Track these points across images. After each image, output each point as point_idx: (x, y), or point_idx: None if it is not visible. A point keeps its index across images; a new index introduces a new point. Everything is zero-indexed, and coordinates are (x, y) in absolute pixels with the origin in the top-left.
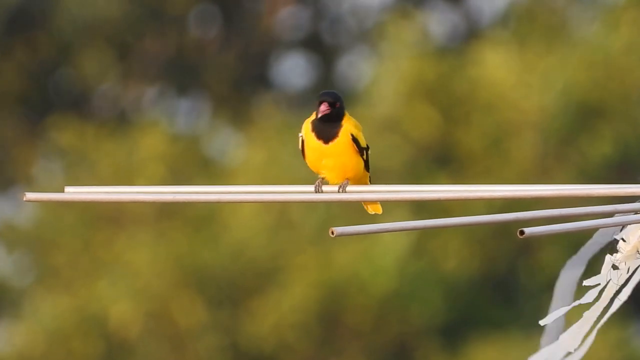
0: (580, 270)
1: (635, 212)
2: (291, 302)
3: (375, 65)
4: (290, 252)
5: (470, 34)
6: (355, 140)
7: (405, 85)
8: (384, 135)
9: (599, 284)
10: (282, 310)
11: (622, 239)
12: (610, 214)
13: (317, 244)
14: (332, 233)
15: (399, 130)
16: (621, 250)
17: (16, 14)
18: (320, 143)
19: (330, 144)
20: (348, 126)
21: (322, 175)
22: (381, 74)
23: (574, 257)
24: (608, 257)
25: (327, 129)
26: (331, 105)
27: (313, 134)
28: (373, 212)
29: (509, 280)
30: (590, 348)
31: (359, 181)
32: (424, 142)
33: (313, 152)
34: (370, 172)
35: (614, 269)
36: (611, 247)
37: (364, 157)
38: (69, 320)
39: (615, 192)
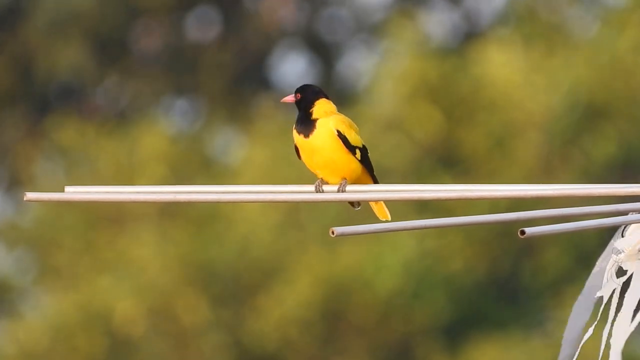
0: (587, 314)
1: (637, 211)
2: (295, 300)
3: (376, 65)
4: (295, 250)
5: (472, 34)
6: (341, 136)
7: (408, 84)
8: (387, 135)
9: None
10: (285, 308)
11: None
12: (611, 214)
13: (322, 242)
14: (333, 233)
15: (402, 130)
16: (624, 251)
17: (7, 10)
18: (301, 137)
19: (311, 136)
20: (329, 120)
21: (319, 176)
22: (383, 74)
23: (580, 298)
24: (612, 257)
25: (305, 123)
26: (297, 94)
27: (295, 130)
28: (383, 219)
29: (512, 280)
30: (589, 347)
31: (359, 182)
32: (426, 142)
33: (301, 148)
34: (375, 175)
35: (617, 272)
36: (614, 247)
37: (357, 156)
38: (72, 318)
39: (616, 192)
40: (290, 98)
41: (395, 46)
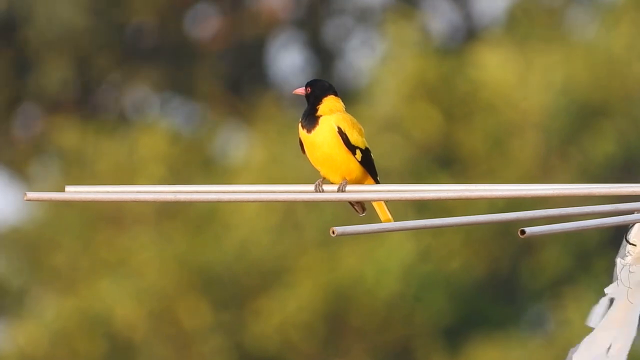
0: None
1: (637, 211)
2: (296, 302)
3: (376, 65)
4: (295, 252)
5: (471, 34)
6: (342, 133)
7: (407, 84)
8: (385, 135)
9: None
10: (286, 310)
11: (630, 242)
12: (610, 214)
13: (323, 244)
14: (333, 233)
15: (400, 130)
16: (631, 253)
17: (5, 12)
18: (305, 132)
19: (313, 132)
20: (332, 117)
21: (321, 173)
22: (382, 74)
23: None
24: (619, 261)
25: (309, 119)
26: (307, 88)
27: (300, 124)
28: (385, 222)
29: (512, 280)
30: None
31: (361, 184)
32: (425, 142)
33: (304, 143)
34: (378, 180)
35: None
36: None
37: (357, 156)
38: (72, 320)
39: (616, 192)
40: (301, 90)
41: (395, 46)
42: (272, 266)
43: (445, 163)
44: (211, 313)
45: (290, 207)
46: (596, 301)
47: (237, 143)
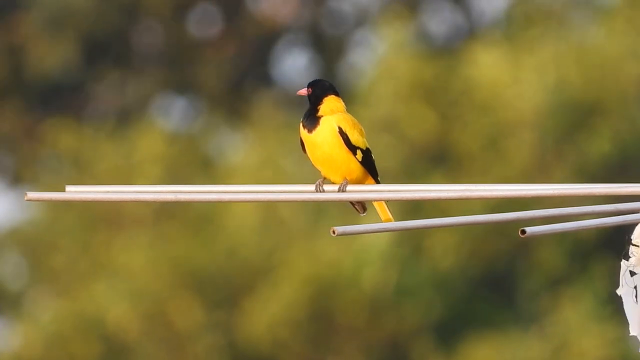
0: None
1: (637, 211)
2: (285, 300)
3: (373, 66)
4: (284, 251)
5: (466, 34)
6: (342, 133)
7: (403, 85)
8: (381, 135)
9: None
10: (277, 309)
11: (633, 243)
12: (610, 214)
13: (312, 243)
14: (334, 232)
15: (396, 130)
16: (634, 254)
17: (2, 6)
18: (306, 132)
19: (314, 132)
20: (333, 117)
21: (322, 173)
22: (379, 74)
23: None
24: (623, 263)
25: (310, 119)
26: (309, 88)
27: (301, 124)
28: (386, 222)
29: (506, 278)
30: (587, 345)
31: (360, 183)
32: (420, 142)
33: (305, 143)
34: (379, 180)
35: (631, 275)
36: (624, 252)
37: (357, 156)
38: (67, 322)
39: (616, 192)
40: (304, 91)
41: (390, 47)
42: (262, 265)
43: (441, 162)
44: (204, 313)
45: (278, 205)
46: (593, 301)
47: (236, 143)
